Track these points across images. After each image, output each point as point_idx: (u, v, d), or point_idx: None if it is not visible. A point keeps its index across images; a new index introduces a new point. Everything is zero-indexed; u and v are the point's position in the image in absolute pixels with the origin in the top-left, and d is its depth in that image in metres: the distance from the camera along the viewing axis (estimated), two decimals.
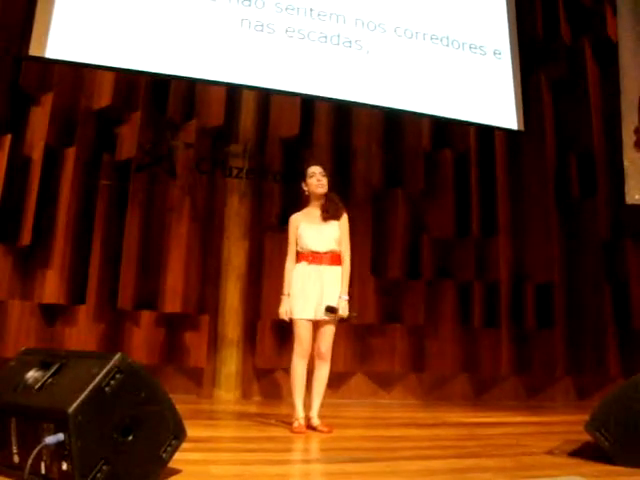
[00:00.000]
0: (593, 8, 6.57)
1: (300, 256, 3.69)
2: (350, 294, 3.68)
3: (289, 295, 3.63)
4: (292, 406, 3.60)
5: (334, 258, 3.67)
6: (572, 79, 6.43)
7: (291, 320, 3.62)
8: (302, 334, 3.57)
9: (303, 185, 3.78)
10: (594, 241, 6.05)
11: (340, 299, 3.60)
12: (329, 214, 3.70)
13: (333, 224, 3.70)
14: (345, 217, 3.75)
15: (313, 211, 3.75)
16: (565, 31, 6.52)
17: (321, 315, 3.57)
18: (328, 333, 3.61)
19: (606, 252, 6.00)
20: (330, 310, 3.55)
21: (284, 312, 3.63)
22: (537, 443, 3.25)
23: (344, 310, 3.59)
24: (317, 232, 3.67)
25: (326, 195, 3.74)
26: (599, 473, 2.45)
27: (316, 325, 3.61)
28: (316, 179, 3.71)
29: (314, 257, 3.64)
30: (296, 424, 3.53)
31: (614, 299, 5.94)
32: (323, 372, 3.65)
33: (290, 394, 3.66)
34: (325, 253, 3.65)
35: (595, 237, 6.05)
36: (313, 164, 3.81)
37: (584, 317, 5.99)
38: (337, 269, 3.66)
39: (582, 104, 6.32)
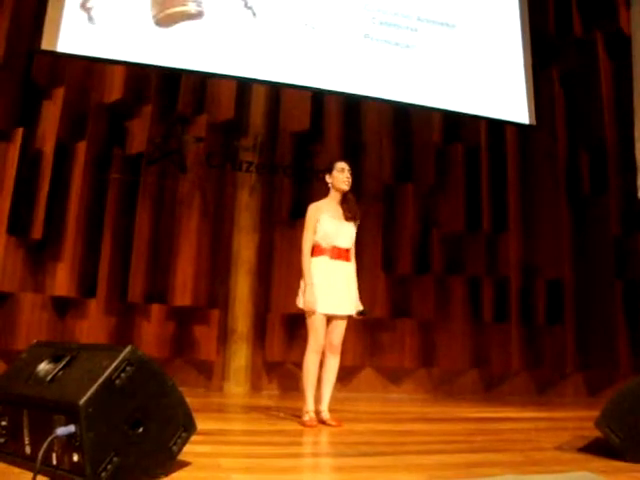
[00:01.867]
0: (605, 1, 6.50)
1: (319, 249, 3.64)
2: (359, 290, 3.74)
3: (312, 285, 3.55)
4: (303, 400, 3.59)
5: (349, 255, 3.70)
6: (584, 73, 6.37)
7: (307, 312, 3.55)
8: (320, 329, 3.56)
9: (327, 177, 3.77)
10: (605, 237, 6.00)
11: (359, 299, 3.69)
12: (351, 215, 3.72)
13: (351, 224, 3.73)
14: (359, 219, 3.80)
15: (333, 205, 3.74)
16: (577, 24, 6.46)
17: (343, 310, 3.59)
18: (342, 327, 3.64)
19: (617, 248, 5.96)
20: (362, 313, 3.67)
21: (311, 302, 3.51)
22: (547, 439, 3.24)
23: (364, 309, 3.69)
24: (340, 228, 3.68)
25: (347, 193, 3.75)
26: (609, 469, 2.44)
27: (329, 319, 3.61)
28: (345, 175, 3.72)
29: (338, 253, 3.65)
30: (307, 417, 3.53)
31: (625, 295, 5.90)
32: (333, 365, 3.65)
33: (300, 387, 3.67)
34: (345, 249, 3.67)
35: (606, 233, 6.00)
36: (342, 160, 3.82)
37: (594, 313, 5.96)
38: (352, 266, 3.72)
39: (594, 98, 6.27)
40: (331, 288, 3.57)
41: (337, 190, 3.74)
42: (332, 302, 3.57)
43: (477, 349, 5.94)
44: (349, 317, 3.68)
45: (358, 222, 3.77)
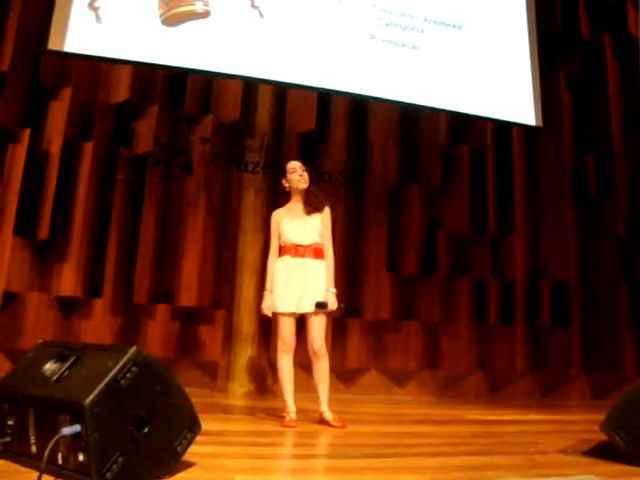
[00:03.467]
0: (614, 3, 6.49)
1: (283, 250, 3.70)
2: (336, 286, 3.66)
3: (271, 291, 3.64)
4: (283, 401, 3.61)
5: (317, 252, 3.66)
6: (591, 76, 6.36)
7: (271, 316, 3.65)
8: (284, 331, 3.59)
9: (284, 182, 3.80)
10: (611, 240, 5.99)
11: (328, 292, 3.58)
12: (312, 207, 3.71)
13: (315, 217, 3.70)
14: (327, 210, 3.75)
15: (295, 206, 3.77)
16: (585, 27, 6.46)
17: (304, 308, 3.56)
18: (318, 326, 3.57)
19: (623, 250, 5.94)
20: (320, 306, 3.54)
21: (266, 308, 3.63)
22: (551, 442, 3.23)
23: (333, 304, 3.58)
24: (300, 226, 3.68)
25: (307, 190, 3.76)
26: (614, 473, 2.43)
27: (303, 319, 3.61)
28: (298, 174, 3.74)
29: (297, 250, 3.65)
30: (287, 418, 3.54)
31: (631, 298, 5.88)
32: (321, 367, 3.61)
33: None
34: (308, 246, 3.65)
35: (612, 236, 5.99)
36: (292, 160, 3.86)
37: (600, 316, 5.95)
38: (321, 263, 3.65)
39: (601, 101, 6.25)
40: (290, 286, 3.59)
41: (296, 191, 3.76)
42: (291, 300, 3.57)
43: (482, 351, 5.92)
44: (327, 315, 3.64)
45: (325, 212, 3.72)
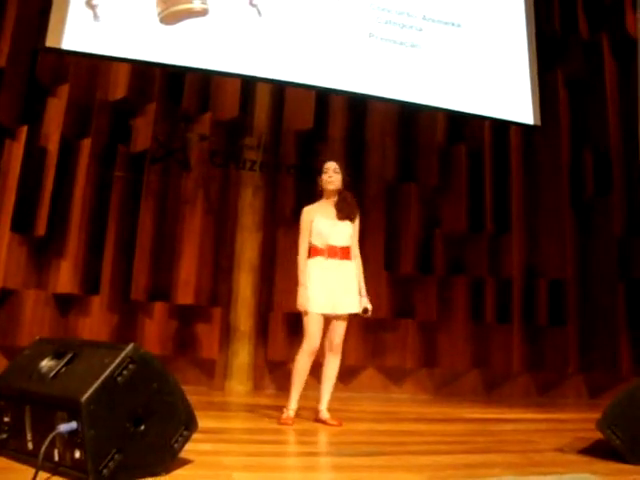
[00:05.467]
0: (612, 3, 6.49)
1: (315, 250, 3.66)
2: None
3: (306, 287, 3.58)
4: (288, 397, 3.60)
5: (347, 253, 3.68)
6: (589, 75, 6.36)
7: (304, 313, 3.57)
8: (314, 330, 3.54)
9: (318, 180, 3.80)
10: (608, 239, 6.00)
11: (364, 298, 3.65)
12: (344, 215, 3.71)
13: (348, 222, 3.72)
14: (358, 217, 3.78)
15: (327, 206, 3.75)
16: (583, 26, 6.46)
17: (340, 309, 3.58)
18: (342, 326, 3.63)
19: (620, 249, 5.95)
20: (366, 311, 3.63)
21: (302, 304, 3.55)
22: (548, 440, 3.24)
23: (371, 309, 3.67)
24: (334, 227, 3.67)
25: (340, 193, 3.75)
26: (610, 471, 2.44)
27: (328, 319, 3.61)
28: (328, 175, 3.73)
29: (331, 251, 3.64)
30: (285, 415, 3.54)
31: (627, 297, 5.89)
32: (334, 365, 3.64)
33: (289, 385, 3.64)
34: (342, 248, 3.66)
35: (609, 235, 5.99)
36: (330, 160, 3.83)
37: (597, 315, 5.95)
38: (351, 264, 3.69)
39: (599, 100, 6.26)
40: (326, 287, 3.57)
41: (326, 191, 3.75)
42: (328, 302, 3.57)
43: (479, 350, 5.93)
44: (352, 316, 3.67)
45: (356, 220, 3.76)
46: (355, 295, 3.65)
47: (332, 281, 3.59)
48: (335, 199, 3.75)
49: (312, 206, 3.79)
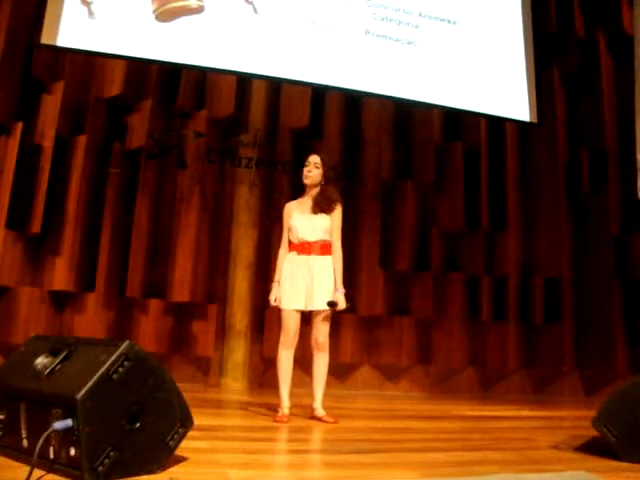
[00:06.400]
0: (608, 1, 6.49)
1: (291, 246, 3.70)
2: (345, 285, 3.65)
3: (279, 283, 3.65)
4: (278, 396, 3.61)
5: (324, 248, 3.65)
6: (586, 72, 6.36)
7: (279, 309, 3.64)
8: (288, 325, 3.58)
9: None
10: (604, 236, 6.00)
11: (337, 292, 3.58)
12: (318, 208, 3.68)
13: (324, 215, 3.68)
14: (338, 209, 3.70)
15: (307, 201, 3.75)
16: (579, 23, 6.45)
17: (313, 306, 3.57)
18: (324, 323, 3.60)
19: (616, 247, 5.96)
20: (331, 305, 3.55)
21: (274, 299, 3.65)
22: (543, 437, 3.25)
23: (342, 304, 3.58)
24: (308, 221, 3.66)
25: (321, 187, 3.72)
26: (605, 469, 2.44)
27: (310, 315, 3.61)
28: (307, 170, 3.71)
29: (303, 247, 3.64)
30: (280, 413, 3.55)
31: (623, 295, 5.90)
32: (322, 362, 3.64)
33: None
34: (315, 242, 3.64)
35: (605, 232, 5.99)
36: (314, 153, 3.80)
37: (593, 312, 5.96)
38: (327, 259, 3.64)
39: (595, 98, 6.26)
40: (295, 283, 3.59)
41: (306, 185, 3.75)
42: (299, 298, 3.58)
43: (475, 347, 5.94)
44: (334, 313, 3.65)
45: (335, 213, 3.68)
46: (329, 290, 3.58)
47: (302, 277, 3.59)
48: (314, 193, 3.73)
49: (292, 202, 3.82)
